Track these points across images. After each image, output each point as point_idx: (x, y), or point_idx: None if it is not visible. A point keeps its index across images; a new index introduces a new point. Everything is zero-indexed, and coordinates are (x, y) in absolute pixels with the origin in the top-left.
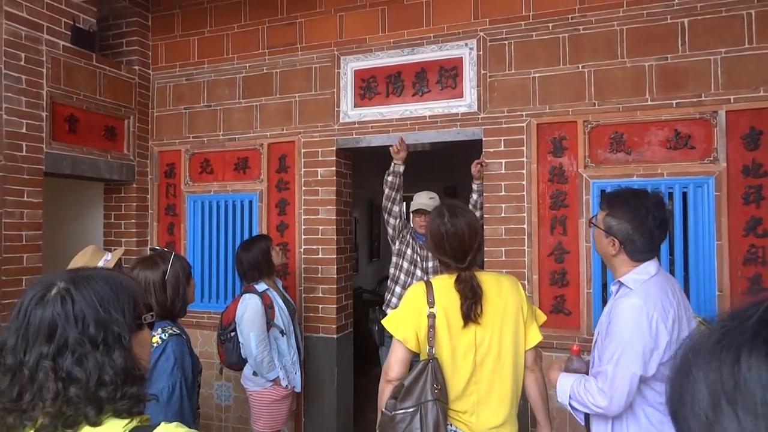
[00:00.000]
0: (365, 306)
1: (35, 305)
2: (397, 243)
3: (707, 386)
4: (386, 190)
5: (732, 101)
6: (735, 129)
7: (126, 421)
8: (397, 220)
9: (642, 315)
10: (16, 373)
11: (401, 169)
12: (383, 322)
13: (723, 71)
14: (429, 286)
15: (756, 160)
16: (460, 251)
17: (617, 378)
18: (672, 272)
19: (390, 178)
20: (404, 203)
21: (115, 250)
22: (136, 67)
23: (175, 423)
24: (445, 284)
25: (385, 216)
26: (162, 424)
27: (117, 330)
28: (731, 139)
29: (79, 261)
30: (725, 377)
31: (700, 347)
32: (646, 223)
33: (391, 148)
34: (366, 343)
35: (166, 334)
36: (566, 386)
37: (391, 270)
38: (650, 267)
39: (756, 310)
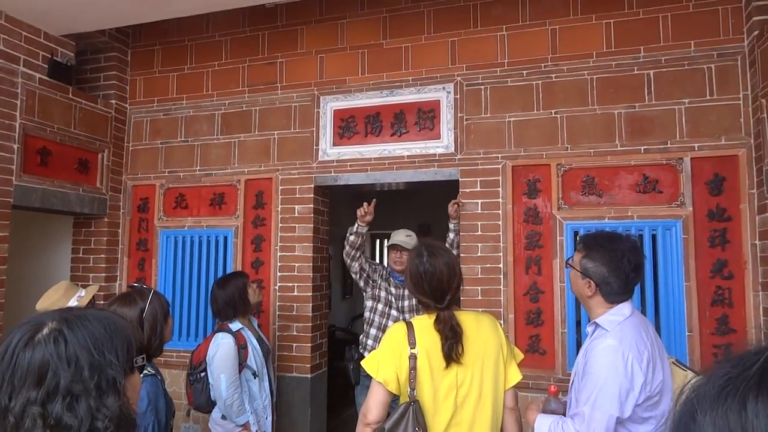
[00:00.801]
0: (338, 344)
1: (24, 346)
2: (369, 290)
3: (714, 431)
4: (347, 248)
5: (696, 149)
6: (700, 175)
7: None
8: (358, 275)
9: (618, 356)
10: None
11: (364, 230)
12: (363, 363)
13: (687, 120)
14: (410, 326)
15: (720, 204)
16: (439, 291)
17: (594, 420)
18: (643, 313)
19: (352, 238)
20: (365, 259)
21: (89, 286)
22: (113, 101)
23: None
24: (425, 324)
25: (349, 269)
26: None
27: (112, 374)
28: (696, 185)
29: (51, 296)
30: (732, 423)
31: (704, 393)
32: (621, 266)
33: (358, 211)
34: (338, 382)
35: (141, 374)
36: (544, 427)
37: (366, 313)
38: (625, 308)
39: (757, 358)
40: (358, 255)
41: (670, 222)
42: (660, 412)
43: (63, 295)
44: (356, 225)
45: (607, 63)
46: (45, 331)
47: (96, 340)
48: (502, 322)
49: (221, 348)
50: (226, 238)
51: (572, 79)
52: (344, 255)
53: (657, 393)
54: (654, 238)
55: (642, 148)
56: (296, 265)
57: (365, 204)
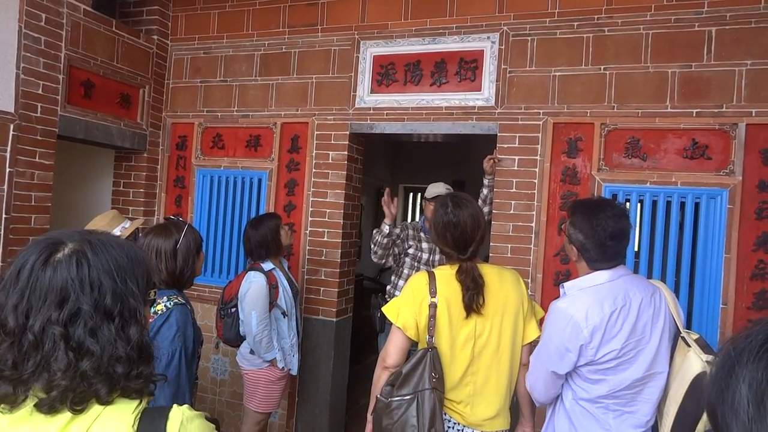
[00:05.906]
0: (365, 293)
1: (43, 265)
2: (400, 265)
3: (751, 385)
4: (379, 251)
5: (753, 114)
6: (754, 143)
7: (136, 402)
8: (391, 258)
9: (561, 318)
10: (16, 336)
11: (392, 229)
12: (384, 309)
13: (747, 83)
14: (431, 276)
15: None
16: (462, 242)
17: (534, 370)
18: (677, 282)
19: (380, 239)
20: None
21: (135, 219)
22: (155, 37)
23: (186, 405)
24: (446, 274)
25: (380, 264)
26: (174, 406)
27: (134, 303)
28: (749, 153)
29: (98, 223)
30: None
31: (744, 346)
32: (596, 234)
33: (382, 200)
34: (363, 329)
35: (172, 303)
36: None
37: (393, 265)
38: (599, 276)
39: None
40: (388, 252)
41: (715, 190)
42: (619, 379)
43: (108, 224)
44: (385, 225)
45: (665, 17)
46: (66, 251)
47: (119, 267)
48: (529, 281)
49: (253, 286)
50: (260, 180)
51: (626, 34)
52: (372, 254)
53: (610, 360)
54: (697, 206)
55: (694, 111)
56: (327, 211)
57: (386, 192)
